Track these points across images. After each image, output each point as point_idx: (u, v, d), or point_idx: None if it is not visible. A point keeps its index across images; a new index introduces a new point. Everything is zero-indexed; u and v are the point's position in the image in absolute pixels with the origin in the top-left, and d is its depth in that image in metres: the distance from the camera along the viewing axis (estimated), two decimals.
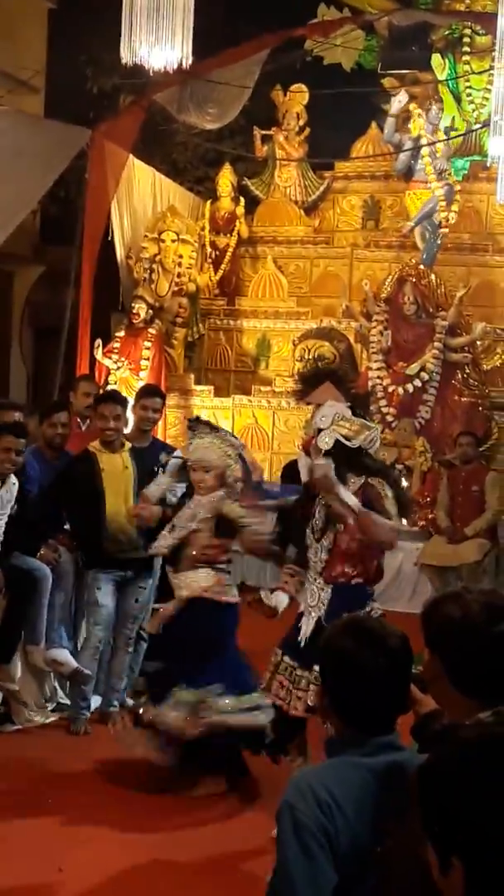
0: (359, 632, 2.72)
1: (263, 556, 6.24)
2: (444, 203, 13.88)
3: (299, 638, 5.50)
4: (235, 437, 6.52)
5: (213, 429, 6.30)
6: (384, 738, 2.64)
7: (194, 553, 6.02)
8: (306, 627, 5.48)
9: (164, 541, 6.12)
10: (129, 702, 6.98)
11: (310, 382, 6.10)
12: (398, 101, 14.18)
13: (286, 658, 5.54)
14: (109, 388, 10.22)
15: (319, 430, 5.50)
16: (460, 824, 1.83)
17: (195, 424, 6.33)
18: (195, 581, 6.00)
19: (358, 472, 5.49)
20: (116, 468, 7.24)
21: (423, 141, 14.00)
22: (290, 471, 12.53)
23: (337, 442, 5.43)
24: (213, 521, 6.02)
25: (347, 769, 2.57)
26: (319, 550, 5.46)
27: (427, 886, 2.15)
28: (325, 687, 2.75)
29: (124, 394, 12.36)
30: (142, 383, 12.00)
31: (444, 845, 1.86)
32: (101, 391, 9.24)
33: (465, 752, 1.91)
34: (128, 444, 7.41)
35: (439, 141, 13.97)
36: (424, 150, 13.97)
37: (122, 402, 7.56)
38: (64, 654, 7.13)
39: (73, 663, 7.10)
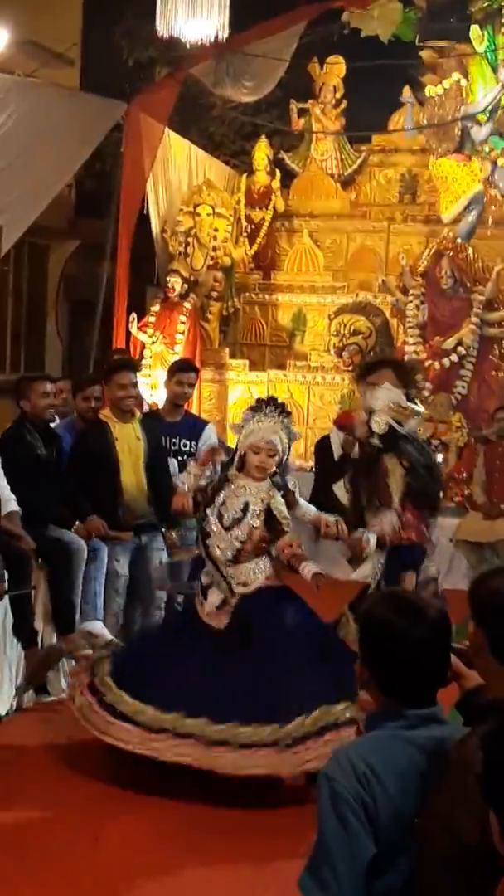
0: (397, 603, 2.73)
1: (294, 564, 5.80)
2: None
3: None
4: (294, 428, 6.19)
5: (284, 412, 5.96)
6: (425, 710, 2.64)
7: (249, 547, 5.76)
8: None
9: (225, 542, 5.74)
10: None
11: (373, 366, 6.09)
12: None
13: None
14: (120, 358, 10.01)
15: (371, 412, 5.53)
16: None
17: (264, 404, 5.97)
18: (256, 573, 5.78)
19: (402, 459, 5.58)
20: (129, 438, 7.29)
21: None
22: (323, 446, 12.59)
23: (389, 426, 5.48)
24: (264, 512, 5.77)
25: (387, 741, 2.58)
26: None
27: (463, 857, 2.15)
28: (363, 659, 2.74)
29: (159, 368, 12.48)
30: (177, 357, 11.98)
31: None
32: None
33: None
34: (138, 414, 7.43)
35: (478, 113, 13.84)
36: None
37: (137, 368, 7.60)
38: (98, 626, 7.16)
39: (108, 635, 7.13)
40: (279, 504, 5.77)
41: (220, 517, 5.75)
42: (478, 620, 2.69)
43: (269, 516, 5.74)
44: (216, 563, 5.75)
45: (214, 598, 5.73)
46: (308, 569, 5.61)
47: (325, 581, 5.65)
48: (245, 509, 5.72)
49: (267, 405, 5.91)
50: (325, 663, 5.56)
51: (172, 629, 6.21)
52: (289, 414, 5.98)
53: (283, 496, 5.84)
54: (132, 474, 7.20)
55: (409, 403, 5.67)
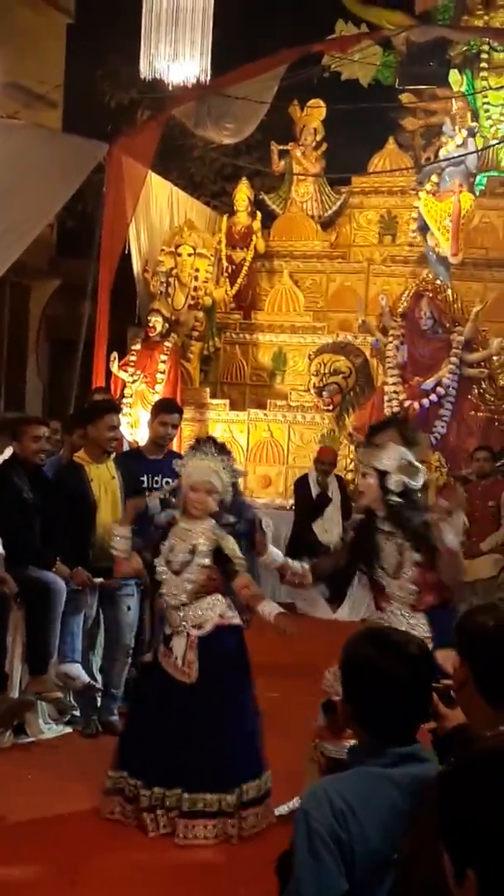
0: (379, 641, 2.75)
1: (252, 605, 5.67)
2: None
3: None
4: (237, 466, 6.09)
5: (223, 451, 5.85)
6: (405, 748, 2.65)
7: (196, 586, 5.63)
8: None
9: (176, 586, 5.63)
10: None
11: (379, 427, 6.07)
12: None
13: None
14: (102, 398, 10.02)
15: (382, 473, 5.47)
16: (476, 836, 1.84)
17: (203, 443, 5.89)
18: (210, 611, 5.65)
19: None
20: (104, 478, 7.30)
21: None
22: (302, 484, 12.65)
23: (404, 485, 5.49)
24: (212, 551, 5.65)
25: (366, 779, 2.59)
26: (405, 583, 5.42)
27: (443, 893, 2.15)
28: (346, 696, 2.75)
29: (140, 407, 12.51)
30: (157, 396, 12.02)
31: (459, 855, 1.87)
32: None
33: (484, 764, 1.91)
34: (112, 454, 7.46)
35: (460, 156, 13.96)
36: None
37: (120, 411, 7.65)
38: (76, 669, 7.13)
39: (85, 678, 7.10)
40: (230, 544, 5.66)
41: (168, 564, 5.65)
42: (464, 654, 2.71)
43: (221, 558, 5.64)
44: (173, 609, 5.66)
45: (180, 645, 5.61)
46: (268, 610, 5.55)
47: (288, 623, 5.58)
48: (193, 551, 5.62)
49: (205, 444, 5.84)
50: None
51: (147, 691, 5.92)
52: (228, 453, 5.88)
53: (249, 537, 5.75)
54: (109, 514, 7.20)
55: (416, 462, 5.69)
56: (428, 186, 14.05)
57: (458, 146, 13.65)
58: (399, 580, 5.40)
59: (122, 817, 5.51)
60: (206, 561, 5.59)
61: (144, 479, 7.67)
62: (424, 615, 5.43)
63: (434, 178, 14.17)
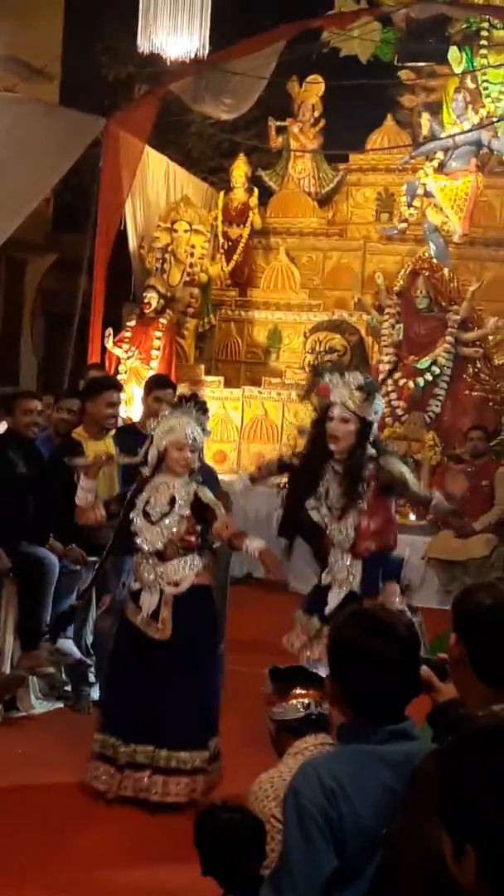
0: (366, 621, 2.75)
1: (237, 544, 5.74)
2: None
3: (326, 610, 5.67)
4: (208, 426, 6.12)
5: (201, 409, 5.91)
6: (395, 726, 2.66)
7: (177, 539, 5.66)
8: (336, 599, 5.66)
9: (153, 534, 5.65)
10: None
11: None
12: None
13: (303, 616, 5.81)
14: (101, 374, 10.03)
15: (366, 422, 5.61)
16: (475, 813, 1.86)
17: (185, 400, 5.95)
18: (188, 569, 5.70)
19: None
20: (102, 453, 7.27)
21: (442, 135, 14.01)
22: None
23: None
24: (190, 503, 5.71)
25: (356, 757, 2.60)
26: (345, 528, 5.56)
27: (434, 870, 2.17)
28: (334, 676, 2.76)
29: (134, 384, 12.49)
30: (152, 373, 11.99)
31: (458, 832, 1.89)
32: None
33: (484, 740, 1.94)
34: (111, 430, 7.44)
35: (457, 134, 13.95)
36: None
37: (121, 388, 7.65)
38: (67, 645, 7.15)
39: (77, 653, 7.12)
40: (206, 492, 5.75)
41: (146, 515, 5.68)
42: (460, 633, 2.71)
43: (198, 508, 5.69)
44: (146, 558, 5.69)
45: (150, 601, 5.65)
46: (253, 545, 5.58)
47: (273, 560, 5.65)
48: (172, 503, 5.66)
49: (187, 401, 5.91)
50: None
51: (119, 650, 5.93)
52: (206, 412, 5.95)
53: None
54: (105, 490, 7.17)
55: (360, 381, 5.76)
56: (435, 164, 14.05)
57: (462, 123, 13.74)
58: (341, 522, 5.57)
59: (107, 785, 5.53)
60: (187, 511, 5.64)
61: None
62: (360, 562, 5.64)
63: (440, 154, 14.15)
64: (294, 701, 3.75)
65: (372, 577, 5.61)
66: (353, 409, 5.58)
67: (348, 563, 5.72)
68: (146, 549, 5.65)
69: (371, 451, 5.71)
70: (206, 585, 5.81)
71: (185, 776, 5.45)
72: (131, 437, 7.77)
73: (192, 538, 5.69)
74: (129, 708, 5.55)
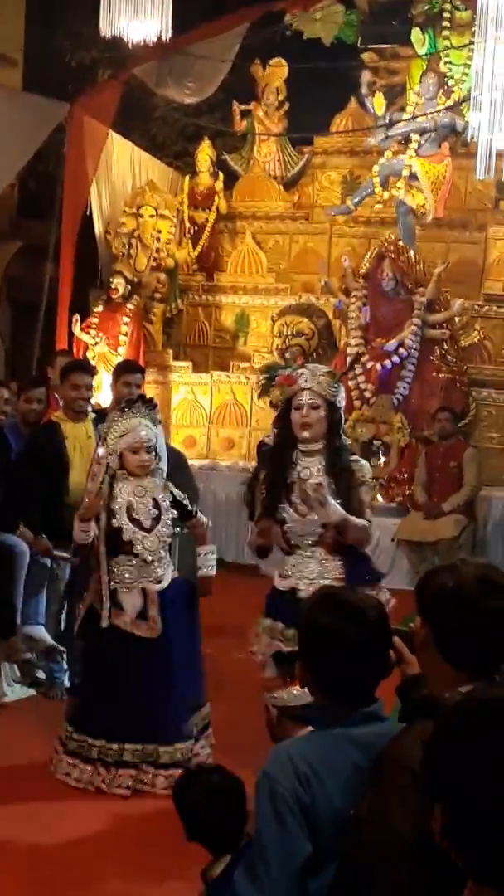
0: (338, 605, 2.76)
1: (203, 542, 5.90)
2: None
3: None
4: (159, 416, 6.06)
5: (151, 407, 5.87)
6: (366, 708, 2.68)
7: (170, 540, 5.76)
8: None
9: (152, 542, 5.61)
10: None
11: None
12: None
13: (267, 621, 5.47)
14: (67, 359, 10.05)
15: (335, 406, 5.43)
16: (439, 774, 1.94)
17: (132, 403, 5.85)
18: (167, 566, 5.74)
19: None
20: (80, 437, 7.28)
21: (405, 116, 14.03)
22: (265, 447, 12.61)
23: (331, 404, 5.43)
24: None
25: (328, 740, 2.62)
26: (311, 524, 5.30)
27: (398, 849, 2.20)
28: (305, 660, 2.77)
29: (102, 369, 12.46)
30: (120, 359, 11.97)
31: (431, 791, 1.96)
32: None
33: (467, 711, 2.01)
34: (91, 414, 7.43)
35: (421, 115, 13.97)
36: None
37: (93, 371, 7.62)
38: (39, 631, 7.15)
39: (49, 640, 7.13)
40: (179, 491, 5.81)
41: (134, 522, 5.62)
42: (424, 615, 2.73)
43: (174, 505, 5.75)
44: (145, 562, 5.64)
45: (132, 601, 5.63)
46: (204, 565, 5.83)
47: (208, 588, 5.86)
48: (157, 506, 5.66)
49: (135, 403, 5.84)
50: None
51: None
52: (155, 406, 5.92)
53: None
54: (82, 474, 7.15)
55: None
56: (415, 146, 14.06)
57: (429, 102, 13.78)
58: (307, 517, 5.31)
59: (78, 782, 5.54)
60: (175, 513, 5.71)
61: None
62: (339, 559, 5.38)
63: (416, 137, 14.14)
64: (298, 688, 3.75)
65: (359, 575, 5.34)
66: (322, 392, 5.42)
67: (322, 556, 5.40)
68: (148, 558, 5.63)
69: (346, 440, 5.57)
70: (181, 579, 5.85)
71: (174, 769, 5.40)
72: (99, 422, 7.78)
73: (172, 538, 5.78)
74: (117, 707, 5.54)
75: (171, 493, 5.74)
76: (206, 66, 13.81)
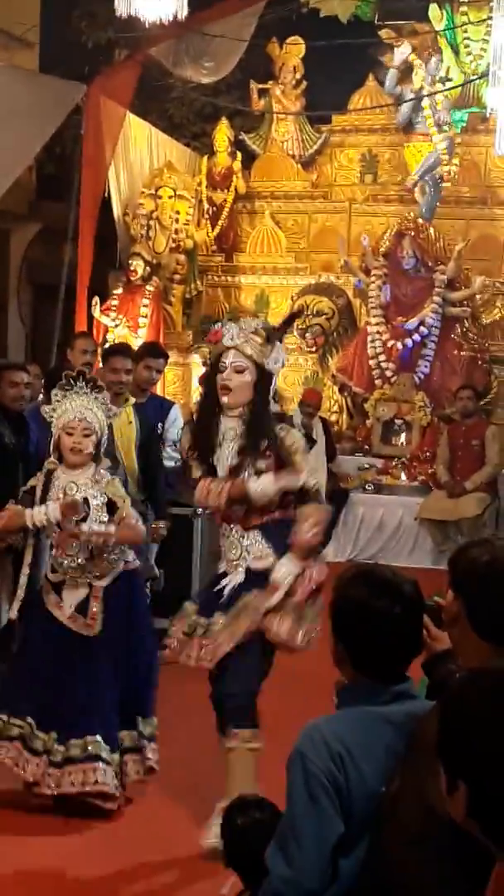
0: (372, 580, 2.73)
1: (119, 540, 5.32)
2: (445, 156, 13.81)
3: (224, 592, 4.92)
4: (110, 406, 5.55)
5: (96, 388, 5.35)
6: (398, 686, 2.66)
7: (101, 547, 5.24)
8: (234, 582, 4.91)
9: (71, 547, 5.19)
10: None
11: (287, 323, 5.40)
12: (401, 52, 14.06)
13: (202, 619, 4.95)
14: (112, 343, 10.07)
15: (266, 373, 4.85)
16: (469, 750, 1.96)
17: (73, 380, 5.31)
18: (116, 560, 5.32)
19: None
20: (121, 422, 7.18)
21: (424, 92, 13.91)
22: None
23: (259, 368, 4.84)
24: (106, 504, 5.23)
25: (362, 719, 2.60)
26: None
27: (428, 826, 2.19)
28: (337, 636, 2.75)
29: None
30: (140, 340, 11.96)
31: (452, 767, 1.99)
32: (100, 348, 9.18)
33: (483, 683, 2.03)
34: (132, 399, 7.34)
35: (440, 91, 13.88)
36: (425, 103, 13.88)
37: (132, 355, 7.50)
38: None
39: None
40: (116, 488, 5.31)
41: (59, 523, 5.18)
42: (457, 590, 2.71)
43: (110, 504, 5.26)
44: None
45: (74, 596, 5.26)
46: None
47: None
48: (86, 506, 5.15)
49: (77, 381, 5.29)
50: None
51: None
52: (101, 389, 5.39)
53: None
54: (123, 458, 7.12)
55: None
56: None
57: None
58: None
59: (11, 760, 5.20)
60: (105, 517, 5.19)
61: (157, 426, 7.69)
62: (260, 531, 4.89)
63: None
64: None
65: (276, 544, 4.85)
66: (249, 353, 4.82)
67: (240, 537, 4.92)
68: (66, 562, 5.22)
69: (274, 406, 5.00)
70: (132, 569, 5.45)
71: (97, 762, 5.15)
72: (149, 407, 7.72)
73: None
74: (50, 697, 5.25)
75: (108, 493, 5.26)
76: (222, 46, 13.72)
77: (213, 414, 4.92)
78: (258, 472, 4.83)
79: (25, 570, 5.35)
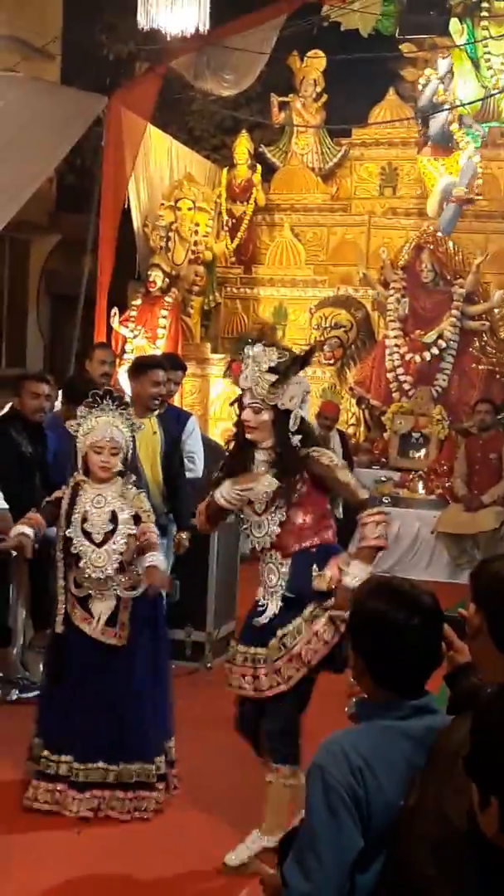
0: (391, 593, 2.72)
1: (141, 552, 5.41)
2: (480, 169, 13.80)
3: (264, 619, 4.86)
4: (135, 420, 5.59)
5: (121, 405, 5.42)
6: (418, 700, 2.65)
7: (125, 556, 5.31)
8: (273, 608, 4.86)
9: (100, 558, 5.23)
10: None
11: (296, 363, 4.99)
12: (445, 63, 13.95)
13: (241, 647, 4.93)
14: (140, 355, 10.03)
15: (284, 412, 4.83)
16: (500, 765, 1.96)
17: (100, 398, 5.38)
18: (140, 572, 5.35)
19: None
20: (146, 433, 7.16)
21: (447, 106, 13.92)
22: None
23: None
24: (133, 517, 5.33)
25: (381, 734, 2.58)
26: (268, 524, 4.83)
27: (446, 839, 2.18)
28: (357, 650, 2.74)
29: None
30: (158, 351, 11.99)
31: (484, 783, 1.99)
32: (118, 359, 9.18)
33: None
34: (155, 410, 7.32)
35: (469, 104, 13.84)
36: (453, 115, 13.86)
37: (166, 367, 7.44)
38: None
39: None
40: (142, 501, 5.40)
41: (86, 535, 5.24)
42: (479, 603, 2.70)
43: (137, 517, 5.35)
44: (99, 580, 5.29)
45: (102, 607, 5.30)
46: (148, 561, 5.34)
47: (163, 580, 5.47)
48: (114, 519, 5.26)
49: (104, 399, 5.37)
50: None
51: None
52: (127, 406, 5.47)
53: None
54: (147, 469, 7.11)
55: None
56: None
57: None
58: (263, 517, 4.85)
59: (48, 803, 5.26)
60: (133, 530, 5.28)
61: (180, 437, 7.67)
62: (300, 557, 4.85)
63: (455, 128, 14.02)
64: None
65: (300, 571, 4.83)
66: (262, 395, 4.80)
67: (278, 562, 4.89)
68: (93, 575, 5.25)
69: (295, 440, 4.87)
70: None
71: (148, 790, 5.29)
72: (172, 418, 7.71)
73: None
74: (80, 724, 5.29)
75: (137, 507, 5.36)
76: (243, 59, 13.78)
77: (246, 447, 4.95)
78: (291, 506, 4.84)
79: (61, 583, 5.36)
